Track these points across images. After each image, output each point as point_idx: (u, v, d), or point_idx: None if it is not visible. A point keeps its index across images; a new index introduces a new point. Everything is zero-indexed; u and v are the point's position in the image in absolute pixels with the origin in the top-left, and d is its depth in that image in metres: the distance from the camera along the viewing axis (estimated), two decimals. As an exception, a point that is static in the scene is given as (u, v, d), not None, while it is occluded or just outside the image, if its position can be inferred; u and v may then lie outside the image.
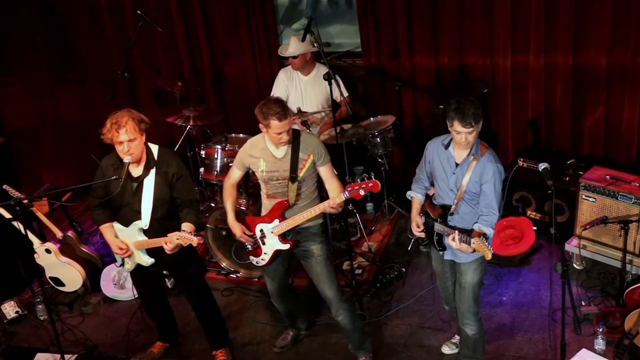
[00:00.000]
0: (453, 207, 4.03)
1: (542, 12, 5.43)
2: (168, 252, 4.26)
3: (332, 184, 4.31)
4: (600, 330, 4.52)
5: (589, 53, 5.45)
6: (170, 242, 4.19)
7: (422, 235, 4.23)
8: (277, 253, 4.42)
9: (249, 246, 4.48)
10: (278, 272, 4.55)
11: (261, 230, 4.40)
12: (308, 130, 5.37)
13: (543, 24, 5.47)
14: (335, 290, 4.42)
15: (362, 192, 4.07)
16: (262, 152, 4.30)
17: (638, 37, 5.25)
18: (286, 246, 4.36)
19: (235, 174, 4.49)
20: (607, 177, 5.02)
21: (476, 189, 3.96)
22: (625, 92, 5.45)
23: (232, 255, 5.25)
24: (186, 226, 4.27)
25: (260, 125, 4.17)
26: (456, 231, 3.91)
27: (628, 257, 4.89)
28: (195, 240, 4.14)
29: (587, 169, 5.23)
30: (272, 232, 4.35)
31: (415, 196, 4.28)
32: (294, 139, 4.25)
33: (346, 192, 4.10)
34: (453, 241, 3.92)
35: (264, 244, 4.42)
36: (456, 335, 4.68)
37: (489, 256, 3.87)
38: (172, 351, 5.01)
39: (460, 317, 4.28)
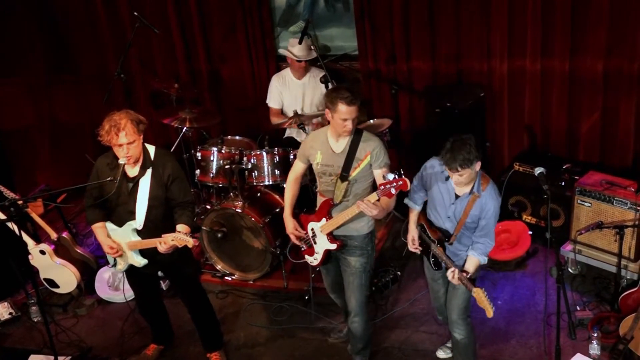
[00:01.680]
0: (453, 237, 4.03)
1: (539, 17, 5.44)
2: (161, 252, 4.24)
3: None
4: (595, 335, 4.53)
5: (585, 58, 5.45)
6: (164, 242, 4.17)
7: (417, 251, 4.23)
8: (328, 253, 4.37)
9: (303, 245, 4.44)
10: (330, 271, 4.54)
11: (312, 229, 4.36)
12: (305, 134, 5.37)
13: (540, 29, 5.47)
14: (359, 303, 4.39)
15: (393, 191, 3.82)
16: (322, 144, 4.22)
17: (634, 43, 5.26)
18: (334, 246, 4.28)
19: (298, 166, 4.42)
20: (603, 182, 5.03)
21: (474, 220, 3.95)
22: (621, 97, 5.45)
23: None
24: (181, 227, 4.24)
25: (327, 112, 4.06)
26: (456, 270, 3.90)
27: (623, 262, 4.90)
28: (191, 242, 4.12)
29: (583, 174, 5.24)
30: (320, 231, 4.31)
31: (413, 207, 4.25)
32: (355, 136, 4.14)
33: (378, 192, 3.89)
34: (451, 276, 3.92)
35: (315, 243, 4.38)
36: (450, 340, 4.68)
37: (490, 314, 3.83)
38: (166, 353, 5.00)
39: (450, 323, 4.28)
